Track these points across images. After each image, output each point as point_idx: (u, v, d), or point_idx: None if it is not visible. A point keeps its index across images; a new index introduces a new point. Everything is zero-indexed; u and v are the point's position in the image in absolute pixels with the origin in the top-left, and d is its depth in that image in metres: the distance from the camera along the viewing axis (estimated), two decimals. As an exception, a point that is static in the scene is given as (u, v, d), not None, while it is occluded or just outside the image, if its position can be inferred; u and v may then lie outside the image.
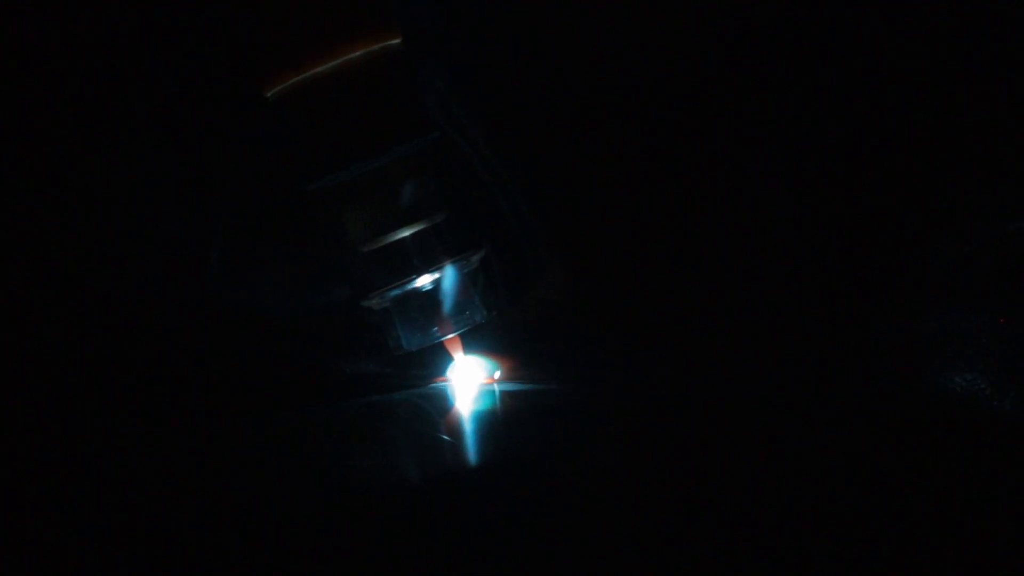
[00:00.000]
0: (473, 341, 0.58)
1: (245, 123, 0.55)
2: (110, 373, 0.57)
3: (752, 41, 0.58)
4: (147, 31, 0.53)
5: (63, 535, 0.49)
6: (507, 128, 0.59)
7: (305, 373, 0.60)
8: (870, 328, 0.57)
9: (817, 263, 0.59)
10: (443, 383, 0.60)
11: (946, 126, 0.57)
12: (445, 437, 0.55)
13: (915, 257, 0.58)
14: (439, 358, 0.59)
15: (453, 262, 0.52)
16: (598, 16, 0.59)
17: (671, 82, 0.59)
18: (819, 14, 0.58)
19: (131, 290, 0.58)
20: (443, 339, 0.55)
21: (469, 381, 0.59)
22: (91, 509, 0.50)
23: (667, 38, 0.59)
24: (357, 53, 0.49)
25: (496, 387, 0.59)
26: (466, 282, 0.53)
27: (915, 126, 0.58)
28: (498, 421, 0.56)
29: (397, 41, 0.51)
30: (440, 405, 0.58)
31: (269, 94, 0.50)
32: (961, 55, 0.57)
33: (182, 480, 0.52)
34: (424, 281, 0.53)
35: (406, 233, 0.51)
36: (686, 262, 0.60)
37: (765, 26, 0.58)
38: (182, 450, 0.55)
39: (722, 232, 0.60)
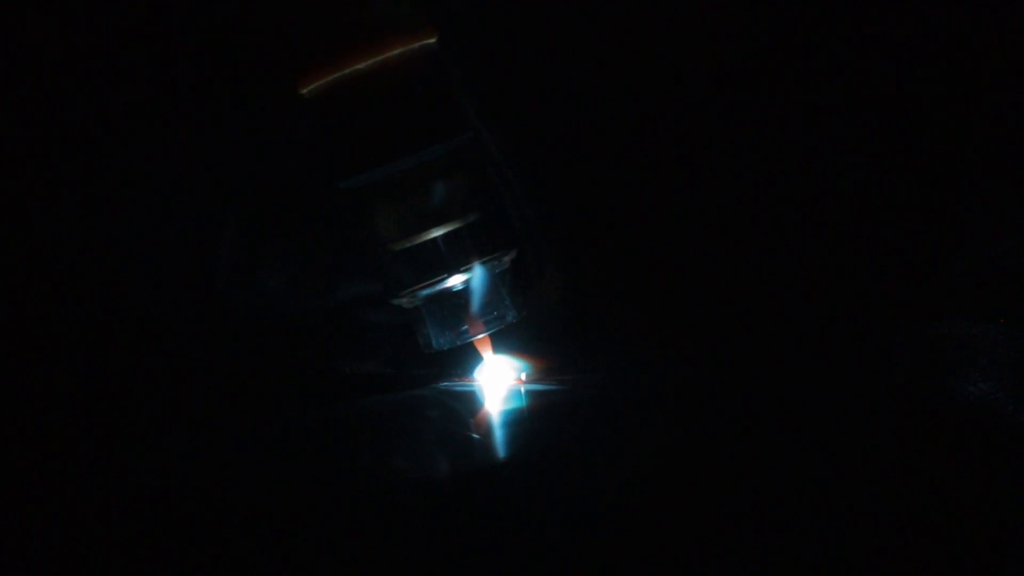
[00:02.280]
0: (499, 341, 0.58)
1: (279, 120, 0.55)
2: (114, 372, 0.56)
3: (768, 44, 0.59)
4: (184, 26, 0.53)
5: (64, 535, 0.49)
6: (512, 128, 0.59)
7: (316, 373, 0.60)
8: (884, 335, 0.58)
9: (832, 270, 0.59)
10: (471, 382, 0.60)
11: (961, 133, 0.58)
12: (475, 435, 0.55)
13: (930, 264, 0.58)
14: (464, 357, 0.59)
15: (484, 262, 0.52)
16: (607, 20, 0.59)
17: (683, 83, 0.59)
18: (836, 17, 0.58)
19: (140, 289, 0.57)
20: (473, 339, 0.54)
21: (498, 380, 0.59)
22: (93, 509, 0.50)
23: (671, 41, 0.59)
24: (393, 52, 0.49)
25: (523, 386, 0.59)
26: (497, 282, 0.53)
27: (929, 133, 0.58)
28: (525, 419, 0.56)
29: (433, 40, 0.51)
30: (469, 404, 0.58)
31: (305, 91, 0.50)
32: (979, 64, 0.58)
33: (186, 480, 0.52)
34: (455, 281, 0.53)
35: (438, 232, 0.51)
36: (704, 267, 0.60)
37: (781, 29, 0.58)
38: (189, 450, 0.55)
39: (742, 238, 0.60)
